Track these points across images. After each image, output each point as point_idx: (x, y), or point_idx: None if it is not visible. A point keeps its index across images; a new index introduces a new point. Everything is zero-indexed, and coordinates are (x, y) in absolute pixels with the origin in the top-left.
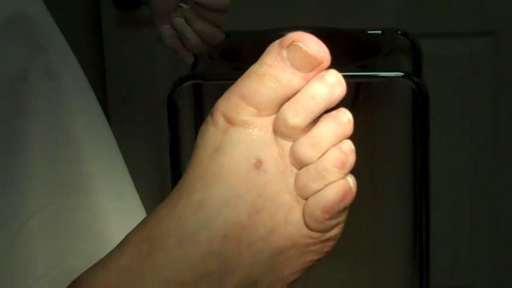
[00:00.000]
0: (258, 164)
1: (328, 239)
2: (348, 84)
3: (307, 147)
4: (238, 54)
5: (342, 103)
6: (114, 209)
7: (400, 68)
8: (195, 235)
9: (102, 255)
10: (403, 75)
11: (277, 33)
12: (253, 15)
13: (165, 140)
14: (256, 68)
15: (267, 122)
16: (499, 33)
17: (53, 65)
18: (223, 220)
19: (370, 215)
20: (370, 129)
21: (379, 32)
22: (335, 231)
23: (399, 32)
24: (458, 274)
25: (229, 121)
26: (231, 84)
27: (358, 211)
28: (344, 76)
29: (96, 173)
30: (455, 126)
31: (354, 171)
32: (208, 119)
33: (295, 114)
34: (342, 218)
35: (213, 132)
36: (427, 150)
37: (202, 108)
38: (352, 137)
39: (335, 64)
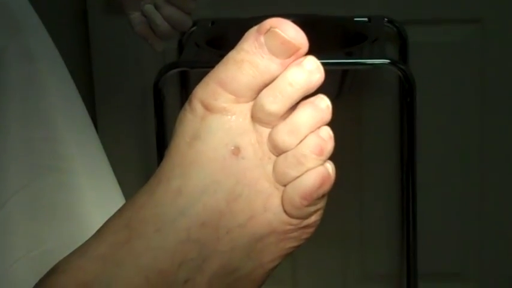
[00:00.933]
0: (236, 151)
1: (307, 226)
2: (334, 72)
3: (285, 133)
4: (224, 42)
5: (328, 90)
6: (92, 190)
7: (387, 55)
8: (173, 222)
9: (80, 236)
10: (389, 63)
11: (263, 20)
12: (239, 2)
13: (151, 127)
14: (233, 55)
15: (245, 108)
16: (485, 20)
17: (30, 48)
18: (201, 207)
19: (357, 202)
20: (356, 117)
21: (365, 19)
22: (314, 218)
23: (385, 19)
24: (446, 261)
25: (207, 108)
26: None
27: (345, 198)
28: (330, 63)
29: (73, 154)
30: (441, 113)
31: (341, 159)
32: (186, 105)
33: (273, 101)
34: (321, 204)
35: (191, 119)
36: (414, 137)
37: (188, 97)
38: (339, 125)
39: (321, 51)
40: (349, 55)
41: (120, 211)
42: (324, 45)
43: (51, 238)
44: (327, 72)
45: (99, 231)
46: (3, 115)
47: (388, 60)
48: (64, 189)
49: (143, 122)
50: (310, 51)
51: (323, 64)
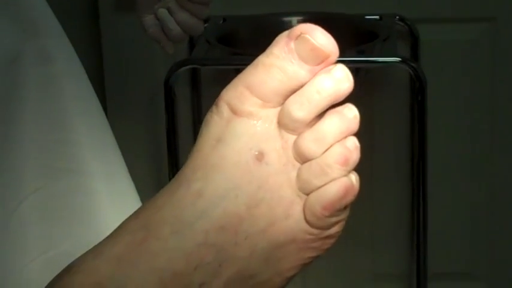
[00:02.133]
0: (260, 156)
1: (328, 236)
2: None
3: (310, 141)
4: (236, 39)
5: None
6: (107, 192)
7: (398, 53)
8: (191, 225)
9: (95, 238)
10: (400, 61)
11: (275, 18)
12: (250, 0)
13: (161, 124)
14: (263, 59)
15: (272, 114)
16: (497, 19)
17: (47, 49)
18: (221, 211)
19: (368, 201)
20: (367, 115)
21: (377, 17)
22: (335, 229)
23: (397, 17)
24: (455, 261)
25: (234, 111)
26: (228, 69)
27: (355, 197)
28: (341, 61)
29: (89, 156)
30: (452, 111)
31: None
32: (213, 107)
33: (300, 108)
34: (343, 216)
35: (217, 121)
36: (425, 136)
37: (199, 94)
38: None
39: None
40: (360, 53)
41: (138, 211)
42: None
43: (65, 240)
44: None
45: (116, 231)
46: (20, 117)
47: (399, 59)
48: (79, 192)
49: (154, 119)
50: None
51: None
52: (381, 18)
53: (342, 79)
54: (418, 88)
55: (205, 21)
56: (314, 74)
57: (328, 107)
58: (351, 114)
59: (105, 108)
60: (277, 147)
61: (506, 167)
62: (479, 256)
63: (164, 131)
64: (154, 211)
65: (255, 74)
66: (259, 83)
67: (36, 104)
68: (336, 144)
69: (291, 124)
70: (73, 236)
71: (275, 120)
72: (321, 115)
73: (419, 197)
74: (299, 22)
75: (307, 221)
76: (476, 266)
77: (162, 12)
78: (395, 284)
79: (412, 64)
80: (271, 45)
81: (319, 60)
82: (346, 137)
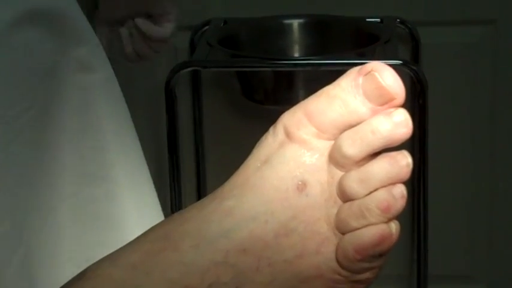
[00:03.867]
0: (302, 186)
1: (359, 281)
2: None
3: (355, 181)
4: (236, 42)
5: None
6: (131, 200)
7: (399, 56)
8: (213, 242)
9: (118, 246)
10: (401, 63)
11: (276, 20)
12: (252, 2)
13: (162, 126)
14: (329, 89)
15: (324, 146)
16: (499, 22)
17: (85, 58)
18: (246, 233)
19: None
20: None
21: (378, 20)
22: (367, 275)
23: (398, 20)
24: (456, 263)
25: (288, 135)
26: (229, 71)
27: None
28: (342, 64)
29: (117, 163)
30: (453, 114)
31: None
32: (271, 129)
33: (352, 144)
34: (377, 263)
35: (270, 143)
36: (426, 138)
37: (200, 96)
38: None
39: (333, 52)
40: (361, 56)
41: (164, 222)
42: (335, 45)
43: (94, 246)
44: (339, 73)
45: (137, 239)
46: (58, 123)
47: (400, 61)
48: (107, 199)
49: (155, 121)
50: (322, 52)
51: (335, 65)
52: (381, 21)
53: (400, 123)
54: (419, 91)
55: (207, 22)
56: (374, 114)
57: (381, 149)
58: (403, 161)
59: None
60: (322, 181)
61: (507, 170)
62: (479, 258)
63: (165, 132)
64: (180, 222)
65: (316, 103)
66: (318, 112)
67: (73, 111)
68: (381, 189)
69: (341, 160)
70: (100, 242)
71: (326, 154)
72: (373, 156)
73: (419, 198)
74: (300, 25)
75: (337, 261)
76: (476, 268)
77: (124, 32)
78: (395, 286)
79: (413, 67)
80: (341, 77)
81: (382, 101)
82: (394, 183)
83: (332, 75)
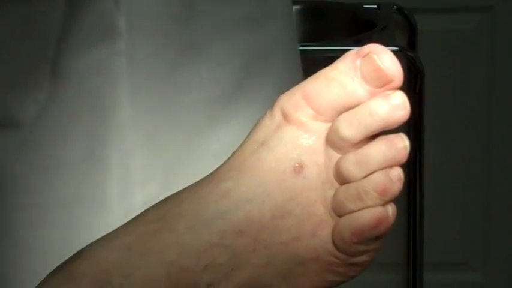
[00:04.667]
0: (299, 168)
1: (355, 264)
2: None
3: (352, 163)
4: None
5: None
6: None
7: (396, 43)
8: (209, 223)
9: None
10: (398, 50)
11: None
12: None
13: None
14: (327, 71)
15: (321, 128)
16: (495, 9)
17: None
18: (243, 215)
19: None
20: None
21: (375, 6)
22: (364, 258)
23: (395, 6)
24: (452, 250)
25: (285, 117)
26: None
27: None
28: (338, 51)
29: None
30: (449, 101)
31: None
32: (268, 111)
33: (349, 127)
34: (374, 246)
35: (267, 125)
36: (422, 126)
37: None
38: None
39: (330, 38)
40: (357, 42)
41: (161, 202)
42: (332, 32)
43: None
44: (335, 60)
45: (133, 220)
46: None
47: (397, 48)
48: None
49: None
50: (318, 38)
51: (332, 51)
52: (378, 8)
53: (398, 106)
54: (415, 77)
55: None
56: (372, 96)
57: (378, 131)
58: (401, 144)
59: None
60: (319, 163)
61: (503, 157)
62: (476, 246)
63: None
64: (176, 204)
65: (314, 85)
66: (316, 94)
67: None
68: (378, 172)
69: (338, 142)
70: None
71: (323, 136)
72: (371, 139)
73: (415, 186)
74: (296, 11)
75: (334, 244)
76: (472, 255)
77: None
78: (391, 274)
79: (410, 54)
80: (338, 60)
81: (380, 83)
82: (391, 166)
83: (329, 62)
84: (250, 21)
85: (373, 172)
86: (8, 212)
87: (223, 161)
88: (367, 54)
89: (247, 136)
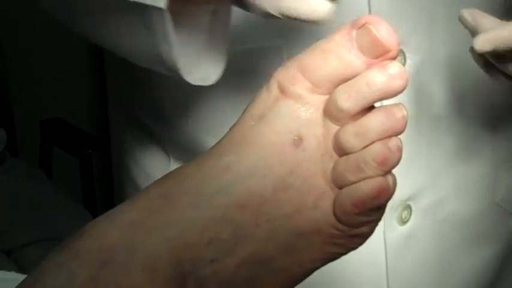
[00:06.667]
0: (298, 141)
1: (356, 235)
2: None
3: (351, 134)
4: None
5: None
6: None
7: None
8: (211, 198)
9: None
10: None
11: None
12: None
13: None
14: (323, 43)
15: (319, 100)
16: None
17: None
18: (244, 188)
19: None
20: None
21: None
22: (365, 229)
23: None
24: None
25: (283, 91)
26: None
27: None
28: None
29: None
30: None
31: None
32: (264, 85)
33: (347, 98)
34: (375, 216)
35: (264, 98)
36: None
37: None
38: None
39: None
40: None
41: (162, 179)
42: None
43: None
44: None
45: (136, 197)
46: None
47: None
48: None
49: None
50: None
51: None
52: None
53: (395, 76)
54: None
55: None
56: (369, 67)
57: (376, 101)
58: (399, 114)
59: (107, 122)
60: (318, 135)
61: None
62: None
63: None
64: (178, 180)
65: (311, 58)
66: (313, 67)
67: None
68: (377, 142)
69: (336, 114)
70: None
71: (321, 108)
72: (369, 110)
73: None
74: None
75: (335, 215)
76: None
77: None
78: None
79: None
80: (334, 32)
81: (377, 53)
82: (390, 136)
83: None
84: None
85: (372, 142)
86: None
87: None
88: (363, 25)
89: (245, 111)
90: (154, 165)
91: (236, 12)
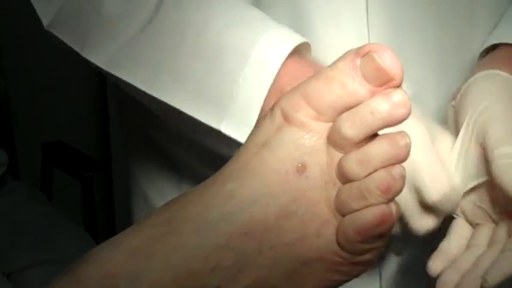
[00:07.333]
0: (302, 169)
1: (359, 263)
2: None
3: (354, 162)
4: None
5: None
6: None
7: None
8: (215, 225)
9: None
10: None
11: None
12: None
13: None
14: (327, 71)
15: (323, 128)
16: None
17: None
18: (248, 216)
19: None
20: None
21: None
22: (368, 256)
23: None
24: None
25: (286, 118)
26: None
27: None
28: None
29: None
30: None
31: None
32: (268, 112)
33: (351, 126)
34: (378, 244)
35: (268, 126)
36: None
37: None
38: None
39: None
40: None
41: (166, 205)
42: None
43: None
44: None
45: (139, 223)
46: None
47: None
48: None
49: None
50: None
51: None
52: None
53: (399, 104)
54: None
55: None
56: (373, 95)
57: (380, 129)
58: (402, 141)
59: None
60: (321, 163)
61: None
62: None
63: None
64: (182, 206)
65: (315, 85)
66: (317, 94)
67: None
68: (380, 170)
69: (340, 141)
70: None
71: (325, 135)
72: (372, 138)
73: None
74: None
75: (338, 243)
76: None
77: None
78: None
79: None
80: (338, 59)
81: (381, 82)
82: (393, 164)
83: None
84: None
85: (376, 170)
86: None
87: None
88: (367, 53)
89: (248, 137)
90: (166, 184)
91: None
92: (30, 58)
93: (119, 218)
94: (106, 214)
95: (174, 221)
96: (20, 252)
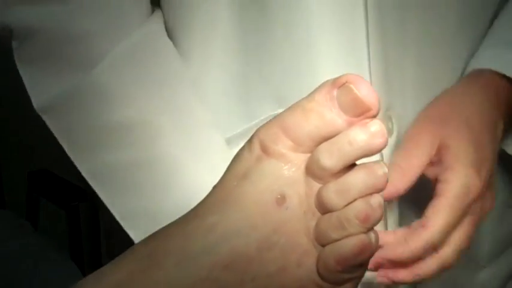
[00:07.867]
0: (281, 200)
1: None
2: None
3: (333, 192)
4: None
5: None
6: None
7: None
8: (196, 258)
9: None
10: None
11: None
12: None
13: None
14: (304, 102)
15: (301, 159)
16: None
17: None
18: (229, 248)
19: None
20: None
21: None
22: (348, 286)
23: None
24: None
25: (265, 150)
26: None
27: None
28: None
29: None
30: None
31: None
32: (246, 143)
33: (329, 156)
34: (357, 273)
35: (247, 157)
36: None
37: None
38: None
39: None
40: None
41: (148, 239)
42: None
43: None
44: None
45: (122, 257)
46: None
47: None
48: None
49: None
50: None
51: None
52: None
53: (376, 134)
54: None
55: None
56: (350, 125)
57: (358, 159)
58: (380, 171)
59: None
60: (300, 193)
61: None
62: None
63: None
64: (163, 240)
65: (292, 117)
66: (294, 126)
67: None
68: (359, 200)
69: (318, 172)
70: None
71: (303, 166)
72: (350, 167)
73: None
74: None
75: (319, 273)
76: None
77: None
78: None
79: None
80: (314, 90)
81: (358, 112)
82: (372, 193)
83: None
84: None
85: (354, 200)
86: None
87: None
88: (344, 84)
89: (227, 169)
90: None
91: None
92: (16, 87)
93: (106, 246)
94: (92, 243)
95: (156, 254)
96: (5, 281)
